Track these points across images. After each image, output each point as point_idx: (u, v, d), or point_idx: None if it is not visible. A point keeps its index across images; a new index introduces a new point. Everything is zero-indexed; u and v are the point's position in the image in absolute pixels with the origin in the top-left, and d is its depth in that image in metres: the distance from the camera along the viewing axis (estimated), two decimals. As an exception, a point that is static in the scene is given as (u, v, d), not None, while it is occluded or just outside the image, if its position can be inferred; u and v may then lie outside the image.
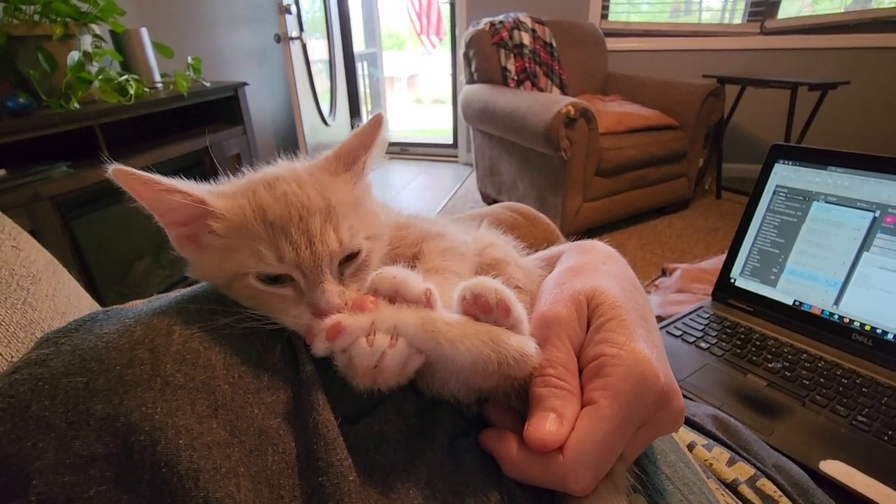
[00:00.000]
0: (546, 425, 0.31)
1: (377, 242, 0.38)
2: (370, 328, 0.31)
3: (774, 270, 0.89)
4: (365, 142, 0.39)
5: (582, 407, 0.32)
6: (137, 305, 0.36)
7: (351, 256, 0.36)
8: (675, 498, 0.38)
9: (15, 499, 0.26)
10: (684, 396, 0.34)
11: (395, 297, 0.33)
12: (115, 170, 0.32)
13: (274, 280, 0.34)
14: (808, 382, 0.74)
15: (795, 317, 0.86)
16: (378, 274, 0.33)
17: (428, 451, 0.34)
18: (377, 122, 0.39)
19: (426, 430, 0.35)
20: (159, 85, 2.13)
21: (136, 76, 1.91)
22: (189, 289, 0.38)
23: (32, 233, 0.52)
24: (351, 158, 0.39)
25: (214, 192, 0.36)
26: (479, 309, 0.32)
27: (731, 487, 0.47)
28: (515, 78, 2.84)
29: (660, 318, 0.98)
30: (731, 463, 0.50)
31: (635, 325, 0.33)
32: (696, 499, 0.38)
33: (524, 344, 0.32)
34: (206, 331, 0.33)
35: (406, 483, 0.31)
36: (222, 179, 0.39)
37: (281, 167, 0.39)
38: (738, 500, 0.46)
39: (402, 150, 4.74)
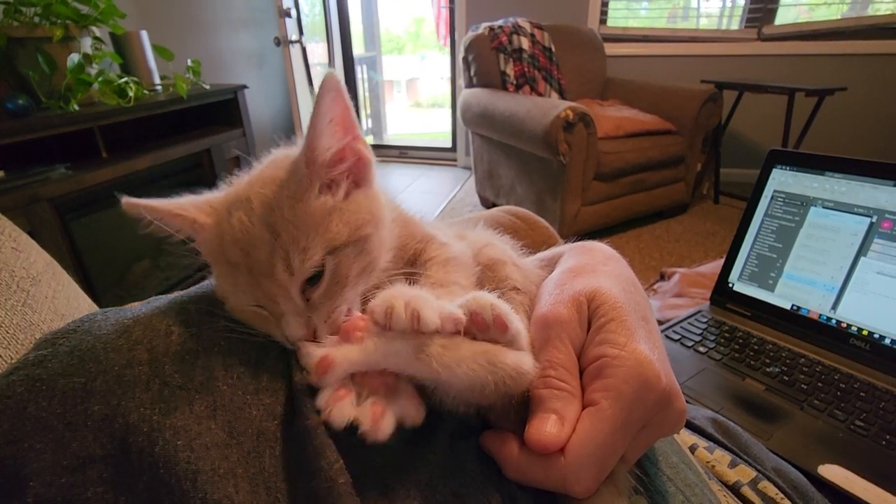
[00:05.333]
0: (547, 427, 0.30)
1: (354, 247, 0.34)
2: (359, 361, 0.30)
3: (772, 275, 0.89)
4: (313, 124, 0.32)
5: (583, 408, 0.32)
6: (136, 307, 0.36)
7: (314, 278, 0.33)
8: (676, 499, 0.38)
9: (12, 500, 0.26)
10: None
11: (411, 331, 0.30)
12: (124, 202, 0.33)
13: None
14: (806, 387, 0.74)
15: (793, 321, 0.86)
16: (390, 306, 0.29)
17: (428, 452, 0.33)
18: (324, 85, 0.31)
19: (427, 431, 0.35)
20: (159, 87, 2.14)
21: (135, 78, 1.91)
22: (188, 290, 0.38)
23: (30, 234, 0.52)
24: (311, 150, 0.33)
25: (213, 204, 0.36)
26: (476, 327, 0.31)
27: (734, 489, 0.47)
28: (514, 82, 2.85)
29: (658, 322, 0.98)
30: (732, 465, 0.50)
31: (636, 325, 0.33)
32: (697, 500, 0.38)
33: (521, 361, 0.31)
34: (206, 332, 0.33)
35: (406, 484, 0.31)
36: (222, 183, 0.39)
37: (255, 176, 0.36)
38: (740, 502, 0.46)
39: (401, 154, 4.75)
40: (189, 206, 0.35)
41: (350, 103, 0.33)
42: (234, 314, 0.35)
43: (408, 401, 0.31)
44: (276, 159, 0.37)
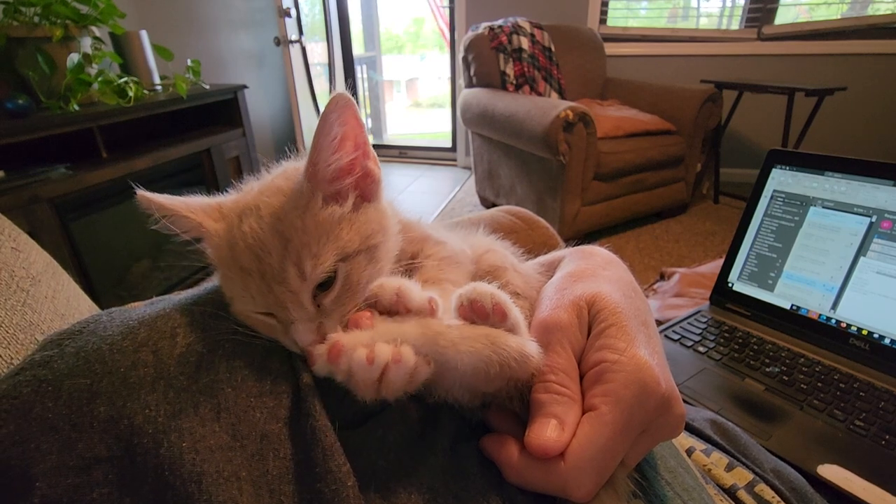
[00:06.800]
0: (547, 432, 0.31)
1: (365, 255, 0.35)
2: (370, 342, 0.30)
3: (772, 275, 0.90)
4: (316, 141, 0.32)
5: (583, 413, 0.32)
6: (138, 307, 0.36)
7: (325, 284, 0.33)
8: None
9: (18, 501, 0.26)
10: (683, 401, 0.34)
11: (395, 308, 0.32)
12: (139, 195, 0.34)
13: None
14: (805, 387, 0.74)
15: (793, 321, 0.86)
16: (379, 286, 0.32)
17: (430, 456, 0.33)
18: (329, 109, 0.31)
19: (428, 434, 0.35)
20: (159, 87, 2.14)
21: (135, 78, 1.91)
22: (192, 292, 0.38)
23: (30, 234, 0.52)
24: (312, 165, 0.33)
25: (223, 209, 0.36)
26: (476, 314, 0.32)
27: (730, 493, 0.48)
28: (514, 82, 2.85)
29: (658, 322, 0.98)
30: (729, 468, 0.50)
31: (636, 331, 0.34)
32: (695, 504, 0.38)
33: (524, 344, 0.32)
34: (210, 334, 0.33)
35: (408, 488, 0.31)
36: (232, 188, 0.39)
37: (265, 184, 0.36)
38: (736, 506, 0.46)
39: (401, 154, 4.75)
40: (198, 208, 0.35)
41: (361, 121, 0.34)
42: (240, 318, 0.35)
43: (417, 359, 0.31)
44: (287, 170, 0.38)
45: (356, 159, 0.35)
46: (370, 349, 0.29)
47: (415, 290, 0.32)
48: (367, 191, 0.37)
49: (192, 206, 0.35)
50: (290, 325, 0.33)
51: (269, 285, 0.32)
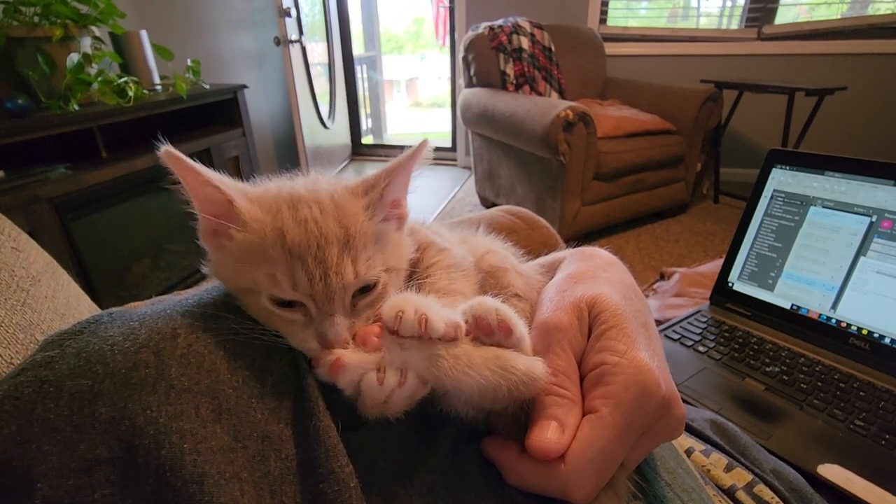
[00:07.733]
0: (548, 434, 0.31)
1: (396, 275, 0.38)
2: (377, 364, 0.31)
3: (772, 275, 0.90)
4: (397, 169, 0.37)
5: (583, 415, 0.32)
6: (138, 307, 0.36)
7: (367, 288, 0.35)
8: None
9: (20, 502, 0.26)
10: (683, 401, 0.34)
11: (418, 337, 0.31)
12: (165, 151, 0.34)
13: (286, 304, 0.34)
14: (805, 387, 0.74)
15: (793, 321, 0.86)
16: (400, 309, 0.31)
17: (430, 457, 0.34)
18: (419, 148, 0.37)
19: (429, 436, 0.35)
20: (159, 87, 2.14)
21: (135, 78, 1.91)
22: (194, 293, 0.38)
23: (30, 234, 0.52)
24: (389, 187, 0.37)
25: (248, 195, 0.36)
26: (481, 331, 0.32)
27: (729, 493, 0.48)
28: (514, 82, 2.85)
29: (658, 322, 0.98)
30: (728, 469, 0.50)
31: (636, 333, 0.34)
32: (695, 505, 0.38)
33: (532, 366, 0.31)
34: (211, 335, 0.33)
35: (409, 489, 0.31)
36: (257, 180, 0.40)
37: (308, 183, 0.38)
38: (734, 507, 0.46)
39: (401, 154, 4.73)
40: (230, 185, 0.35)
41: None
42: (250, 309, 0.35)
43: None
44: (325, 179, 0.40)
45: (401, 197, 0.39)
46: (381, 372, 0.30)
47: (437, 318, 0.31)
48: (400, 222, 0.40)
49: (224, 180, 0.35)
50: (325, 319, 0.33)
51: (327, 273, 0.33)
